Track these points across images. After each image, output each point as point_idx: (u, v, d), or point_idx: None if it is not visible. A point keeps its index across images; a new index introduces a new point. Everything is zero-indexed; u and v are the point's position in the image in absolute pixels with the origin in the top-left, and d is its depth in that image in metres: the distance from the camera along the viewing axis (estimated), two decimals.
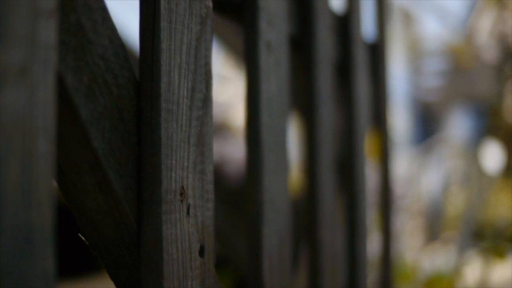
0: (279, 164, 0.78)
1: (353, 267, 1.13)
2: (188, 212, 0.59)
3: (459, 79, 12.90)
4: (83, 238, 0.58)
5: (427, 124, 14.50)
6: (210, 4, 0.64)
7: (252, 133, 0.75)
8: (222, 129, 1.92)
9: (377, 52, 1.33)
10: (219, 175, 1.68)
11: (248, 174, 0.75)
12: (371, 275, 1.38)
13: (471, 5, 13.35)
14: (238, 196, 1.60)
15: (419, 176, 5.16)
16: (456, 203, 7.02)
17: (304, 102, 0.96)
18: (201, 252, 0.61)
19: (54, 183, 0.42)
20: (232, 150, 1.65)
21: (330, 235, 0.98)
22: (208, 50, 0.64)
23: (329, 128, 0.99)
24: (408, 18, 14.32)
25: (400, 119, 13.88)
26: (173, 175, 0.57)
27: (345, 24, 1.14)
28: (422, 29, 14.38)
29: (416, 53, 13.94)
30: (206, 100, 0.63)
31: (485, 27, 12.07)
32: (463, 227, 3.24)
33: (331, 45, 1.03)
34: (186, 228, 0.58)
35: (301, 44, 0.96)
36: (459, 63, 12.43)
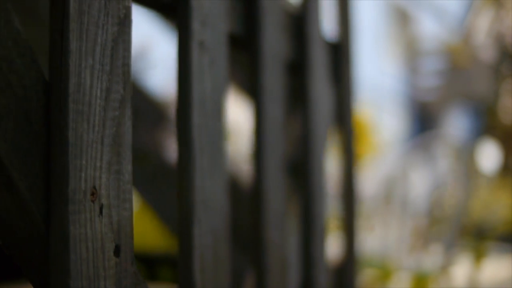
0: (214, 164, 0.78)
1: (309, 267, 1.13)
2: (101, 212, 0.59)
3: (456, 78, 12.89)
4: None
5: (424, 123, 14.49)
6: (130, 5, 0.64)
7: (183, 134, 0.75)
8: None
9: (339, 52, 1.33)
10: None
11: (178, 175, 0.75)
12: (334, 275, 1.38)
13: (468, 5, 13.34)
14: None
15: (410, 175, 5.14)
16: (452, 203, 7.00)
17: (251, 101, 0.96)
18: (116, 252, 0.61)
19: None
20: None
21: (279, 236, 0.98)
22: (127, 51, 0.64)
23: (278, 128, 0.99)
24: (405, 18, 14.32)
25: (397, 119, 13.87)
26: (83, 175, 0.57)
27: (301, 22, 1.14)
28: (420, 29, 14.37)
29: (413, 53, 13.94)
30: (124, 100, 0.63)
31: (483, 27, 12.06)
32: (450, 226, 3.24)
33: (282, 43, 1.03)
34: (98, 228, 0.59)
35: (247, 43, 0.96)
36: (456, 62, 12.42)
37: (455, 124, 15.23)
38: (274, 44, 0.98)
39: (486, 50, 12.29)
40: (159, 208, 1.52)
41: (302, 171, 1.15)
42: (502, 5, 11.64)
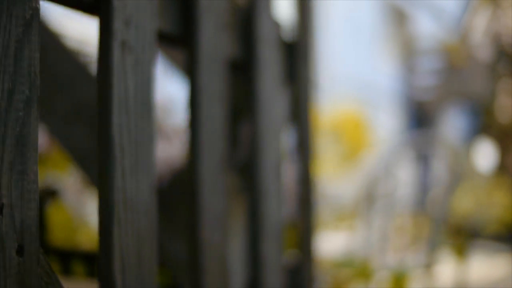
0: (138, 164, 0.79)
1: (257, 267, 1.13)
2: (1, 212, 0.60)
3: (453, 78, 12.88)
4: None
5: (421, 122, 14.47)
6: (38, 6, 0.65)
7: (103, 134, 0.75)
8: (162, 130, 1.92)
9: (295, 51, 1.33)
10: None
11: (99, 175, 0.75)
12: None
13: (465, 5, 13.33)
14: (171, 198, 1.60)
15: (396, 173, 5.13)
16: (437, 202, 7.01)
17: (187, 101, 0.96)
18: (20, 252, 0.61)
19: None
20: (167, 151, 1.66)
21: (218, 235, 0.98)
22: (33, 52, 0.64)
23: (217, 127, 0.99)
24: (402, 17, 14.31)
25: (393, 118, 13.86)
26: None
27: (249, 21, 1.14)
28: (416, 28, 14.36)
29: (410, 52, 13.93)
30: (30, 101, 0.63)
31: (480, 26, 12.05)
32: (434, 225, 3.24)
33: (225, 43, 1.03)
34: None
35: (184, 42, 0.96)
36: (453, 62, 12.42)
37: (452, 123, 15.22)
38: (213, 43, 0.98)
39: (483, 50, 12.28)
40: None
41: (249, 171, 1.15)
42: (499, 4, 11.64)
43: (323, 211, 5.68)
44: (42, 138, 1.67)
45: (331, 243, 4.41)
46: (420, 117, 14.23)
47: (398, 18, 14.05)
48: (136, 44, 0.79)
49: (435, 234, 3.37)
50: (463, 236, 4.80)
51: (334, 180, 6.95)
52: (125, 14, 0.78)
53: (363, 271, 2.25)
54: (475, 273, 6.06)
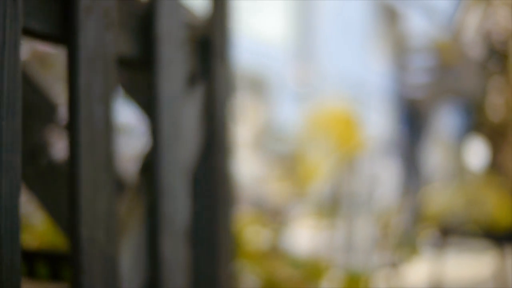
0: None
1: (156, 267, 1.13)
2: None
3: (445, 76, 12.87)
4: None
5: (413, 120, 14.47)
6: None
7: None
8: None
9: (209, 49, 1.33)
10: None
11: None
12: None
13: (457, 2, 13.32)
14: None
15: (379, 174, 5.16)
16: (438, 201, 6.96)
17: (67, 101, 0.96)
18: None
19: None
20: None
21: (101, 234, 0.98)
22: None
23: (100, 127, 0.99)
24: (393, 15, 14.28)
25: (385, 116, 13.84)
26: None
27: (149, 20, 1.14)
28: (408, 26, 14.34)
29: (401, 50, 13.91)
30: None
31: (471, 24, 12.04)
32: (398, 226, 3.23)
33: (111, 42, 1.03)
34: None
35: (66, 42, 0.96)
36: (445, 60, 12.41)
37: (444, 121, 15.21)
38: (95, 42, 0.98)
39: (474, 48, 12.27)
40: (50, 207, 1.52)
41: (149, 170, 1.15)
42: (490, 3, 11.61)
43: (304, 209, 5.69)
44: None
45: (304, 241, 4.41)
46: (411, 115, 14.22)
47: (390, 16, 14.04)
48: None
49: (402, 233, 3.37)
50: (442, 234, 4.80)
51: (320, 179, 6.94)
52: None
53: (313, 271, 2.24)
54: (454, 272, 6.05)
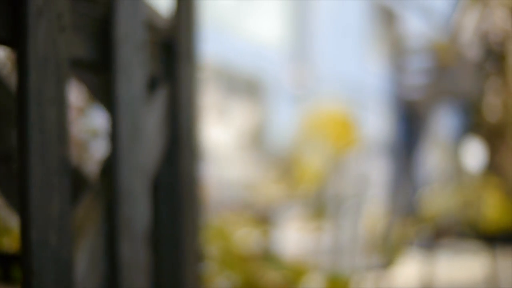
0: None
1: (114, 269, 1.13)
2: None
3: (443, 77, 12.87)
4: None
5: (410, 122, 14.46)
6: None
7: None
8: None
9: (173, 52, 1.33)
10: None
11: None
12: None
13: (454, 3, 13.32)
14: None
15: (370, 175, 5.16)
16: (434, 202, 6.95)
17: (17, 103, 0.96)
18: None
19: None
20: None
21: (53, 237, 0.98)
22: None
23: (53, 129, 0.99)
24: (390, 16, 14.29)
25: (382, 117, 13.84)
26: None
27: (106, 23, 1.14)
28: (405, 27, 14.34)
29: (399, 51, 13.91)
30: None
31: (469, 25, 12.05)
32: (387, 227, 3.23)
33: (64, 45, 1.03)
34: None
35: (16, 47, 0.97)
36: (443, 61, 12.41)
37: (441, 122, 15.19)
38: (45, 46, 0.98)
39: (471, 49, 12.26)
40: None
41: (108, 173, 1.15)
42: (487, 4, 11.61)
43: (296, 211, 5.68)
44: None
45: (294, 243, 4.41)
46: (409, 116, 14.21)
47: (387, 18, 14.04)
48: None
49: (391, 235, 3.36)
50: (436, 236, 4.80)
51: (314, 181, 6.94)
52: None
53: (295, 273, 2.24)
54: (445, 274, 6.04)
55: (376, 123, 13.40)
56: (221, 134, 9.44)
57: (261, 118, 10.75)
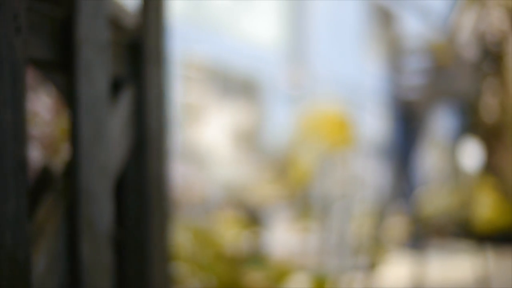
0: None
1: (76, 272, 1.13)
2: None
3: (440, 77, 12.87)
4: None
5: (408, 122, 14.45)
6: None
7: None
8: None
9: (139, 53, 1.33)
10: None
11: None
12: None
13: (452, 4, 13.31)
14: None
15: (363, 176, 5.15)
16: (430, 202, 6.95)
17: None
18: None
19: None
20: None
21: (8, 239, 0.98)
22: None
23: (8, 131, 0.99)
24: (388, 17, 14.28)
25: (379, 118, 13.83)
26: None
27: (67, 24, 1.15)
28: (403, 27, 14.34)
29: (396, 52, 13.90)
30: None
31: (466, 25, 12.05)
32: (371, 229, 3.22)
33: (20, 46, 1.03)
34: None
35: None
36: (440, 61, 12.40)
37: (439, 123, 15.19)
38: (2, 47, 0.99)
39: (469, 49, 12.26)
40: None
41: (69, 174, 1.15)
42: (484, 4, 11.61)
43: (290, 211, 5.68)
44: None
45: (285, 243, 4.40)
46: (406, 117, 14.21)
47: (384, 18, 14.04)
48: None
49: (378, 236, 3.36)
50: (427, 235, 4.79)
51: (304, 181, 6.94)
52: None
53: (279, 273, 2.23)
54: (436, 274, 6.03)
55: (373, 124, 13.39)
56: (216, 135, 9.44)
57: (256, 119, 10.76)
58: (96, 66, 1.18)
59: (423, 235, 4.38)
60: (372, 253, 2.94)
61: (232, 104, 10.35)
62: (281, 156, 10.14)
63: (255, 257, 2.36)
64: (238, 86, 10.43)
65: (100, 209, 1.17)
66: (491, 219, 9.62)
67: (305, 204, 4.38)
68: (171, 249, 1.41)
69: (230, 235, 2.90)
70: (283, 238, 4.31)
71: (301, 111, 10.71)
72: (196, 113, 9.45)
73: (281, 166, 10.11)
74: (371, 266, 3.06)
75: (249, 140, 10.66)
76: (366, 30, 13.54)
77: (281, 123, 10.97)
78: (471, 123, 11.68)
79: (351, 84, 12.98)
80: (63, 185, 1.17)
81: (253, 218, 4.17)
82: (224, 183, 9.38)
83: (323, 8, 12.07)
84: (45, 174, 1.36)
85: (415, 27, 14.25)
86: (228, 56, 10.01)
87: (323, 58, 12.13)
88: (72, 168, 1.15)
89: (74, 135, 1.14)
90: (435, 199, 5.33)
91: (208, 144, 9.23)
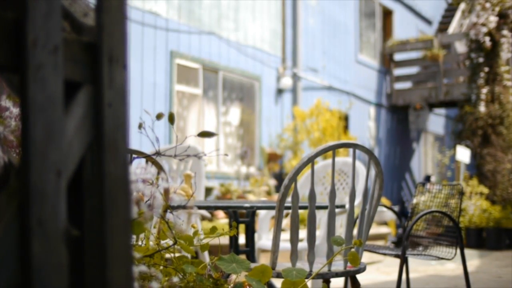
0: None
1: (25, 273, 1.14)
2: None
3: (434, 76, 12.85)
4: None
5: (401, 123, 14.44)
6: None
7: None
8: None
9: (96, 54, 1.34)
10: None
11: None
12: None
13: (446, 4, 13.31)
14: None
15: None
16: (420, 203, 6.98)
17: None
18: None
19: None
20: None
21: None
22: None
23: None
24: (384, 16, 14.28)
25: (374, 119, 13.84)
26: None
27: (18, 25, 1.15)
28: (397, 26, 14.33)
29: (391, 51, 13.91)
30: None
31: (458, 23, 12.04)
32: (361, 228, 3.22)
33: None
34: None
35: None
36: (433, 61, 12.38)
37: (433, 125, 15.16)
38: None
39: (462, 47, 12.25)
40: None
41: (20, 175, 1.15)
42: (481, 4, 11.58)
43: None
44: None
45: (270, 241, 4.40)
46: (400, 118, 14.19)
47: (379, 17, 14.02)
48: None
49: (361, 237, 3.35)
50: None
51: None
52: None
53: (258, 272, 2.24)
54: (418, 276, 6.04)
55: (368, 124, 13.38)
56: (212, 131, 9.42)
57: (253, 117, 10.76)
58: (47, 68, 1.19)
59: (409, 236, 4.38)
60: (353, 254, 2.96)
61: (228, 103, 10.36)
62: (277, 155, 10.14)
63: (236, 257, 2.37)
64: (235, 85, 10.44)
65: (51, 209, 1.18)
66: (477, 222, 9.64)
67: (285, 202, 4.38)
68: (131, 249, 1.41)
69: (217, 233, 2.91)
70: (270, 236, 4.30)
71: (297, 111, 10.71)
72: (191, 110, 9.45)
73: (276, 165, 10.11)
74: (355, 266, 3.06)
75: (246, 138, 10.67)
76: (361, 29, 13.52)
77: (277, 122, 10.96)
78: (466, 127, 11.68)
79: (346, 84, 12.96)
80: (15, 185, 1.18)
81: (245, 216, 4.19)
82: (219, 180, 9.38)
83: (320, 8, 12.07)
84: (5, 174, 1.37)
85: (410, 26, 14.23)
86: (226, 56, 10.01)
87: (319, 58, 12.12)
88: (23, 168, 1.15)
89: (24, 136, 1.15)
90: (424, 200, 5.35)
91: (205, 143, 9.23)
